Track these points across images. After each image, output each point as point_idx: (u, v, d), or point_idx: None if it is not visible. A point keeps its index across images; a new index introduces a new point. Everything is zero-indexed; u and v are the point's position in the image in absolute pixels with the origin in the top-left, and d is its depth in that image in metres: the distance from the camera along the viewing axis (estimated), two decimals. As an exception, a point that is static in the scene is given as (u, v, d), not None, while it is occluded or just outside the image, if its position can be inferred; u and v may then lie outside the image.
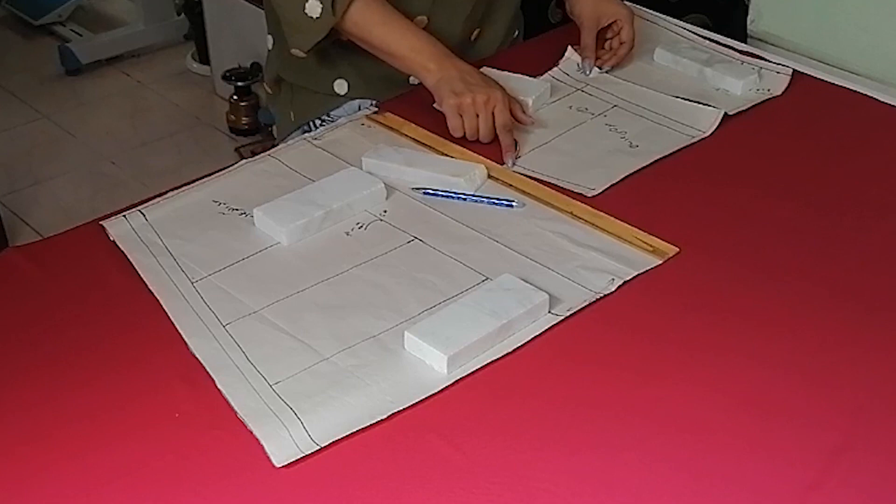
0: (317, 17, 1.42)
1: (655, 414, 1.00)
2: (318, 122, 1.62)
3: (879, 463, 0.95)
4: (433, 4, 1.50)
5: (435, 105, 1.44)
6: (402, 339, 1.06)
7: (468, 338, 1.05)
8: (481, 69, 1.49)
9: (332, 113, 1.61)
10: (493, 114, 1.39)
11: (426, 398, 1.01)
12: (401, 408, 0.99)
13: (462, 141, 1.41)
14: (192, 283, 1.16)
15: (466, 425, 0.99)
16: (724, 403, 1.01)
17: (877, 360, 1.07)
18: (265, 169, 1.37)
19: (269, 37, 1.65)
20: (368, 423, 0.97)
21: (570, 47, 1.63)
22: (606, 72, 1.59)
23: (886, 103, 1.54)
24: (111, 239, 1.23)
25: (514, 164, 1.37)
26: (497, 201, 1.29)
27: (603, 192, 1.32)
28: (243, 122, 3.14)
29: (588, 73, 1.59)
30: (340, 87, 1.60)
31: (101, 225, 1.25)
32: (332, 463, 0.94)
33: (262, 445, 0.95)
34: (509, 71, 1.53)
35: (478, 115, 1.39)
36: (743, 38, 1.81)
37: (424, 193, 1.31)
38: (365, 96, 1.59)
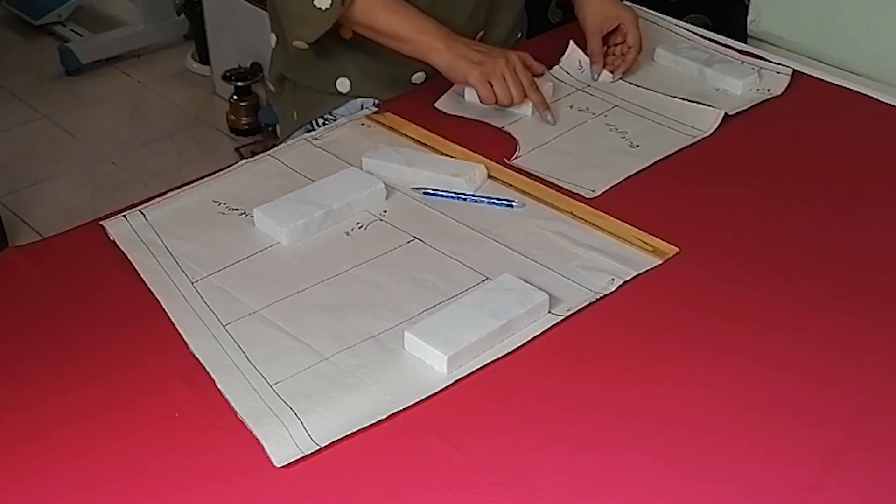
0: (326, 9, 1.42)
1: (655, 414, 1.00)
2: (320, 120, 1.62)
3: (879, 463, 0.95)
4: (434, 4, 1.50)
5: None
6: (402, 339, 1.06)
7: (468, 338, 1.05)
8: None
9: (334, 111, 1.61)
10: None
11: (426, 398, 1.01)
12: (401, 408, 0.99)
13: (462, 141, 1.41)
14: (192, 283, 1.16)
15: (466, 425, 0.98)
16: (724, 403, 1.01)
17: (877, 360, 1.07)
18: (265, 169, 1.37)
19: (273, 35, 1.64)
20: (368, 423, 0.97)
21: (571, 42, 1.62)
22: (619, 79, 1.58)
23: (886, 103, 1.54)
24: (111, 239, 1.23)
25: (554, 120, 1.46)
26: (497, 201, 1.29)
27: (603, 193, 1.32)
28: (243, 122, 3.14)
29: (596, 77, 1.58)
30: (343, 85, 1.59)
31: (101, 225, 1.25)
32: (332, 463, 0.94)
33: (262, 445, 0.95)
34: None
35: (504, 79, 1.43)
36: (743, 38, 1.81)
37: (424, 193, 1.31)
38: (367, 95, 1.59)
